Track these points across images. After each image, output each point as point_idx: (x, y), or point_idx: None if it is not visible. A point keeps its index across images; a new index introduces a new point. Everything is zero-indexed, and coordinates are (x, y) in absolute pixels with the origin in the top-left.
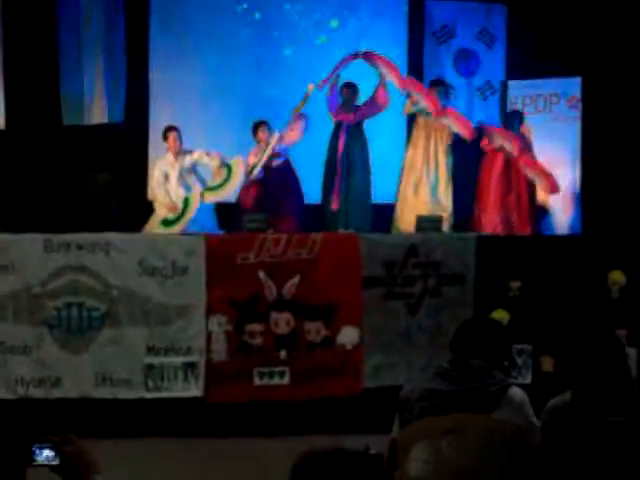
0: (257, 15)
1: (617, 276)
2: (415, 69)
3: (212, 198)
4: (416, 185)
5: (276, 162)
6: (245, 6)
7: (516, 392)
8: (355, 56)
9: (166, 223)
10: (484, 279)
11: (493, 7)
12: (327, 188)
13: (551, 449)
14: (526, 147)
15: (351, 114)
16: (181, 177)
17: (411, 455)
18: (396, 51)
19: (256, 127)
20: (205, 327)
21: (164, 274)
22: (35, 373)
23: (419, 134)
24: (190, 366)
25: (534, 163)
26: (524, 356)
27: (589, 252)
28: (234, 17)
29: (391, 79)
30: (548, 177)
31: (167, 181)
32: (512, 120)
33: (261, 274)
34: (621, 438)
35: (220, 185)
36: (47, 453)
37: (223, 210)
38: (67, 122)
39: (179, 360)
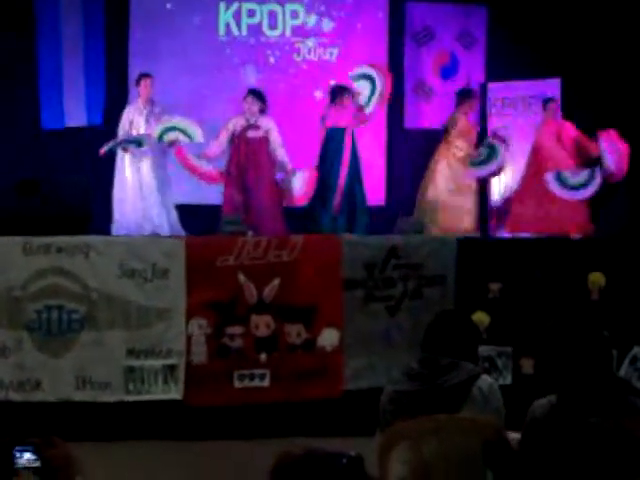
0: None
1: (597, 278)
2: (395, 71)
3: (172, 135)
4: (451, 191)
5: (253, 133)
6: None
7: (484, 380)
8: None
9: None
10: (464, 281)
11: (473, 9)
12: (328, 193)
13: (534, 450)
14: None
15: (354, 118)
16: (147, 122)
17: (392, 457)
18: (376, 53)
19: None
20: (185, 330)
21: (144, 277)
22: (14, 376)
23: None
24: (170, 369)
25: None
26: (504, 358)
27: (568, 253)
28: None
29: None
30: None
31: (132, 127)
32: None
33: (241, 277)
34: (602, 439)
35: (185, 131)
36: (28, 456)
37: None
38: (46, 125)
39: (159, 363)
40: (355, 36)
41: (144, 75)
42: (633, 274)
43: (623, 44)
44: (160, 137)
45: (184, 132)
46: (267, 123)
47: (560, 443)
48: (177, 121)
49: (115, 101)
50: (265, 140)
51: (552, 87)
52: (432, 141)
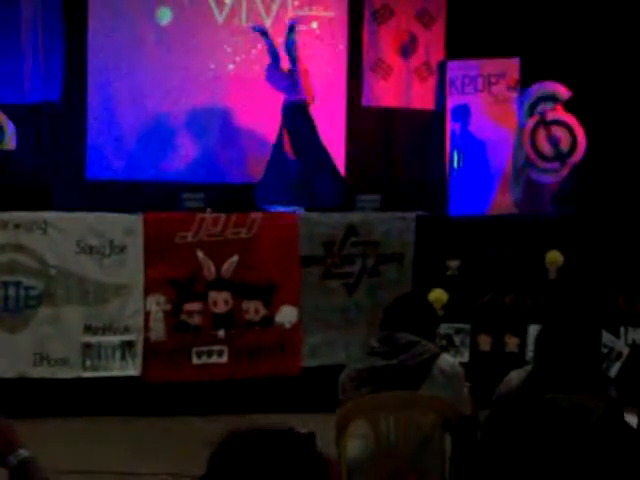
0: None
1: (555, 257)
2: (355, 49)
3: None
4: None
5: None
6: None
7: (446, 360)
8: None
9: None
10: (422, 258)
11: None
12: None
13: (495, 421)
14: None
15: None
16: None
17: (349, 432)
18: (336, 31)
19: None
20: (143, 306)
21: (102, 253)
22: None
23: None
24: (128, 345)
25: None
26: (462, 335)
27: (527, 232)
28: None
29: None
30: None
31: None
32: None
33: (199, 253)
34: (553, 416)
35: None
36: None
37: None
38: (4, 100)
39: (117, 339)
40: (315, 15)
41: None
42: (591, 253)
43: (582, 24)
44: None
45: None
46: None
47: (514, 417)
48: None
49: (73, 77)
50: None
51: (512, 66)
52: (390, 119)
